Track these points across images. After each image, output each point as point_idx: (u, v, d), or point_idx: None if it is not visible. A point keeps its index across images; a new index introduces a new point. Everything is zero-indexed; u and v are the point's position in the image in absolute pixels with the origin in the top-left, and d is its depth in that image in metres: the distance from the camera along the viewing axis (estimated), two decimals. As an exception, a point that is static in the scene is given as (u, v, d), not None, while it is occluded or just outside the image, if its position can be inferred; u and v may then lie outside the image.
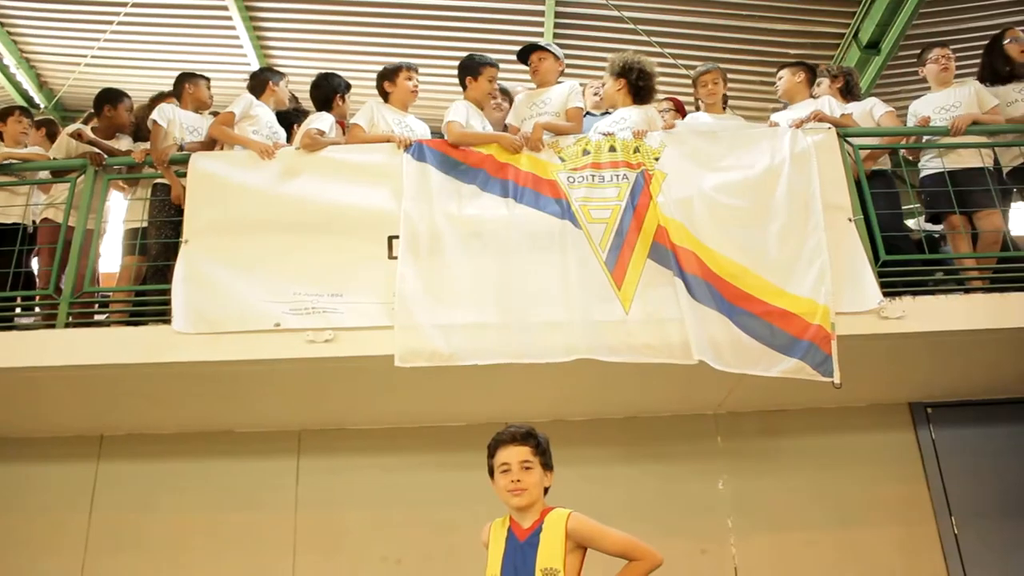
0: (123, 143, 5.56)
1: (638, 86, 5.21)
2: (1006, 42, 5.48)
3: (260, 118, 5.14)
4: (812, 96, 5.45)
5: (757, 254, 4.50)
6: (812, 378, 4.20)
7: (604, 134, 4.91)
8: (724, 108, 5.68)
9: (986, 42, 5.69)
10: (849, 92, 5.58)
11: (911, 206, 5.59)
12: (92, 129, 5.52)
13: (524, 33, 8.39)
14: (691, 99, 5.85)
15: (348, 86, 5.53)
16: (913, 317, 4.38)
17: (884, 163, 5.29)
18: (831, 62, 8.29)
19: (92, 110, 5.80)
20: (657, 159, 4.79)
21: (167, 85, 5.70)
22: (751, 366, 4.26)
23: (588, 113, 5.54)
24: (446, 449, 5.31)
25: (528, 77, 5.49)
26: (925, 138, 5.28)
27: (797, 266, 4.44)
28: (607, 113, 5.41)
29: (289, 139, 5.31)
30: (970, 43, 7.68)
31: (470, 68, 5.24)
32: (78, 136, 5.33)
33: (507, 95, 5.68)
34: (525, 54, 5.38)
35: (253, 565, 5.17)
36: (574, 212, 4.60)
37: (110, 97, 5.65)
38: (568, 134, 4.97)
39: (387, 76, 5.27)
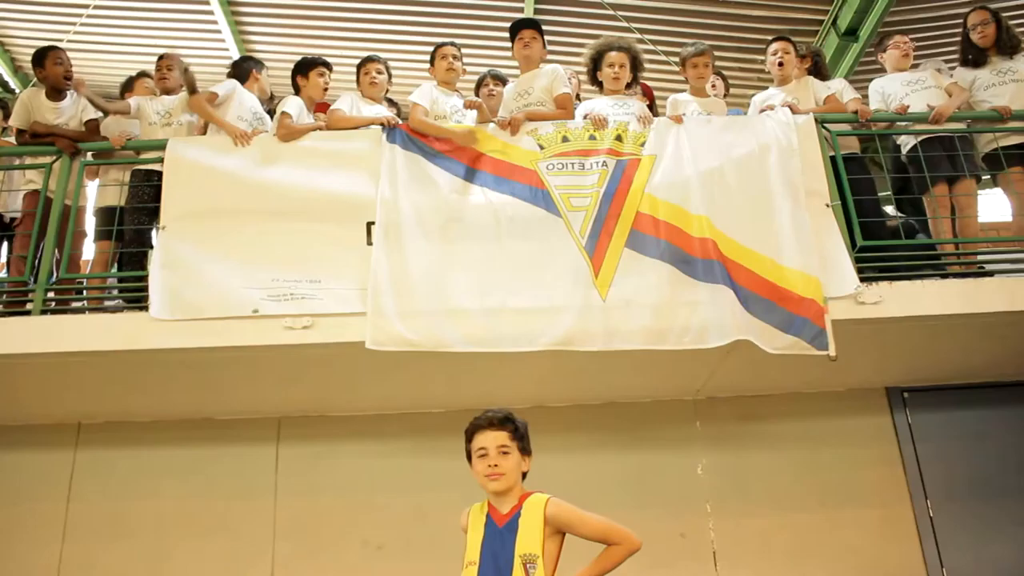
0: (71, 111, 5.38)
1: (635, 76, 5.30)
2: (969, 30, 5.53)
3: (244, 103, 5.13)
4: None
5: (751, 231, 4.53)
6: (807, 352, 4.24)
7: (593, 119, 4.90)
8: (726, 92, 5.73)
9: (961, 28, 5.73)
10: (817, 73, 5.61)
11: (886, 192, 5.61)
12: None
13: (504, 18, 8.34)
14: (666, 84, 5.85)
15: (321, 63, 5.51)
16: (890, 302, 4.42)
17: (855, 148, 5.31)
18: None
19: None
20: (643, 144, 4.80)
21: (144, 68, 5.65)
22: (753, 338, 4.28)
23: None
24: (426, 435, 5.31)
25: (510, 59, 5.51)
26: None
27: (790, 241, 4.48)
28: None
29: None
30: (948, 29, 7.72)
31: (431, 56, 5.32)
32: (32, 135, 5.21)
33: (499, 80, 5.67)
34: (521, 27, 5.36)
35: (233, 552, 5.16)
36: (553, 200, 4.61)
37: (37, 60, 5.42)
38: (559, 120, 4.96)
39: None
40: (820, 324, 4.25)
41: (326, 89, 5.40)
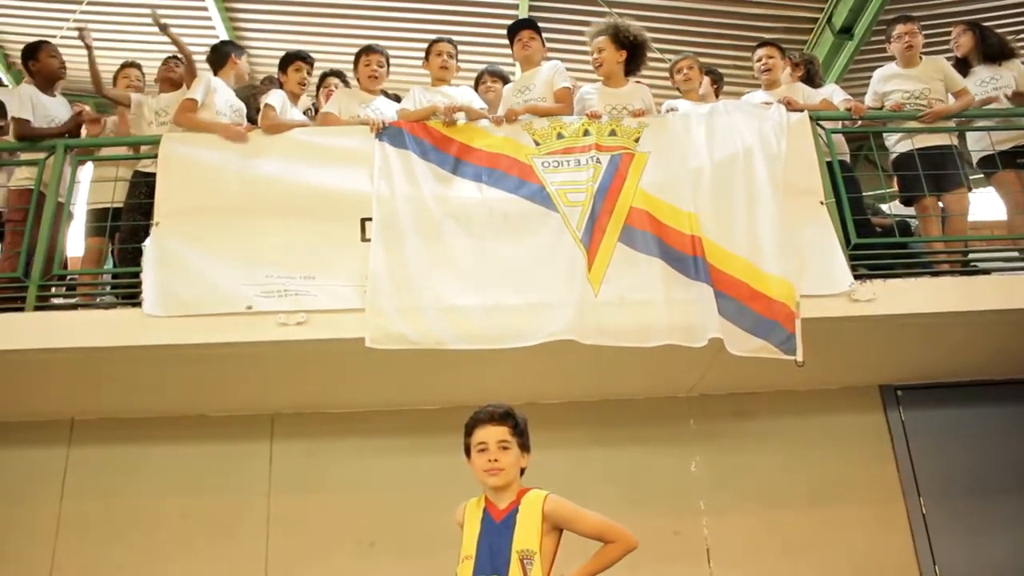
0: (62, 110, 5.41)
1: (637, 62, 5.23)
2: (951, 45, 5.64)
3: (221, 96, 5.10)
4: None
5: (733, 232, 4.52)
6: (775, 356, 4.22)
7: (588, 115, 4.89)
8: (718, 95, 5.72)
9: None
10: (810, 81, 5.60)
11: (881, 191, 5.63)
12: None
13: (500, 15, 8.35)
14: (660, 81, 5.83)
15: (299, 58, 5.49)
16: (883, 300, 4.42)
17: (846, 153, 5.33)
18: (804, 47, 8.34)
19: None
20: (637, 140, 4.79)
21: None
22: (723, 339, 4.25)
23: None
24: (420, 432, 5.30)
25: (509, 59, 5.51)
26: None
27: (767, 244, 4.46)
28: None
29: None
30: (944, 28, 7.72)
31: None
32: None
33: (497, 77, 5.64)
34: (519, 28, 5.36)
35: (226, 549, 5.15)
36: (550, 195, 4.60)
37: (30, 52, 5.46)
38: (559, 115, 4.95)
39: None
40: (790, 329, 4.22)
41: (303, 84, 5.39)
